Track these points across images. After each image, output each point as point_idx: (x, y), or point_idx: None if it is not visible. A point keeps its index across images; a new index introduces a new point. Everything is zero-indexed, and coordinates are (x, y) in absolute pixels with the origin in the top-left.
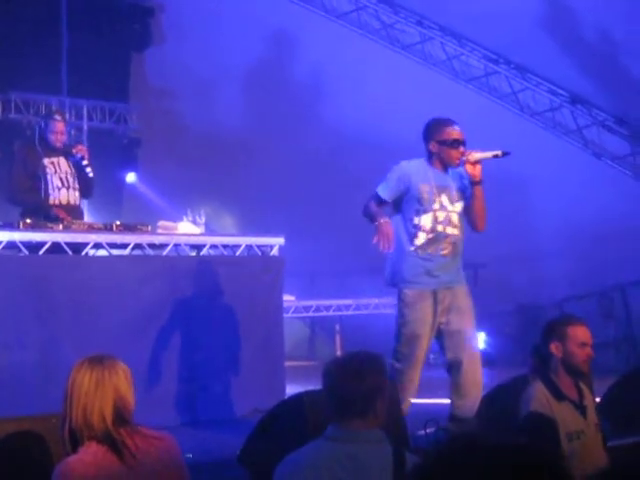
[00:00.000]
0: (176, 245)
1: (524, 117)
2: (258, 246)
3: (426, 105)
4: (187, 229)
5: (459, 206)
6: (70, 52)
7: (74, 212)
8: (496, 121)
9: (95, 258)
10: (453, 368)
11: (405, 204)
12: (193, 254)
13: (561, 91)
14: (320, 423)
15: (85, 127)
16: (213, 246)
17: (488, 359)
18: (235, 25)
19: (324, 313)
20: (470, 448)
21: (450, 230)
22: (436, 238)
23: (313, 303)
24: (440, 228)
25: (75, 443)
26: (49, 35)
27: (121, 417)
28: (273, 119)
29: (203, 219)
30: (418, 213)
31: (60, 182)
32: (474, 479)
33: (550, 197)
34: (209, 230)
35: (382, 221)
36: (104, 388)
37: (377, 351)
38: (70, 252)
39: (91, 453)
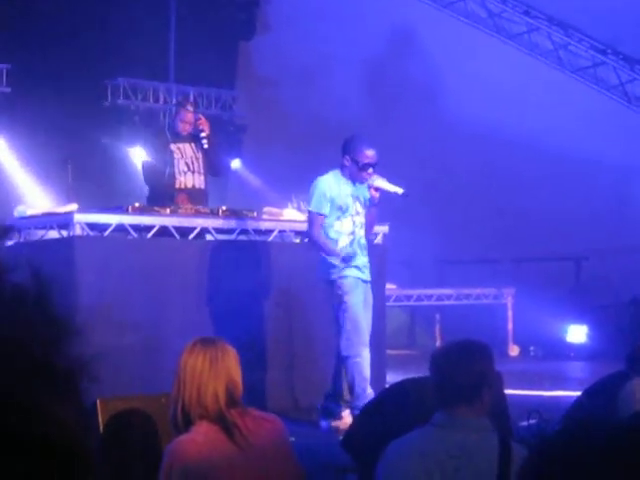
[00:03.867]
0: (281, 231)
1: (631, 108)
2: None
3: (533, 97)
4: (292, 215)
5: (364, 212)
6: (178, 39)
7: (199, 195)
8: (602, 112)
9: (202, 242)
10: None
11: (330, 212)
12: (297, 240)
13: None
14: (424, 410)
15: None
16: None
17: (590, 353)
18: (338, 16)
19: (425, 302)
20: (592, 431)
21: (362, 232)
22: (354, 238)
23: (414, 292)
24: (357, 230)
25: (187, 423)
26: (157, 23)
27: (232, 398)
28: (382, 107)
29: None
30: (339, 219)
31: (186, 166)
32: (597, 462)
33: None
34: None
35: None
36: (217, 369)
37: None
38: (177, 236)
39: (203, 433)
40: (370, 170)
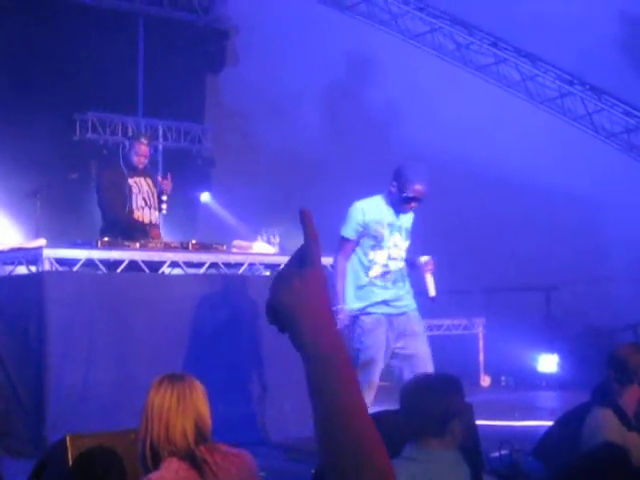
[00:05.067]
0: (251, 264)
1: (599, 138)
2: (332, 266)
3: (500, 128)
4: (262, 249)
5: (407, 243)
6: (146, 73)
7: (155, 230)
8: (570, 143)
9: (171, 277)
10: None
11: (362, 239)
12: (267, 273)
13: (637, 112)
14: (396, 443)
15: (160, 147)
16: None
17: (561, 382)
18: (309, 47)
19: None
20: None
21: (401, 264)
22: (389, 271)
23: None
24: (392, 264)
25: (155, 460)
26: (126, 57)
27: (201, 434)
28: (347, 139)
29: (277, 239)
30: (374, 248)
31: (143, 201)
32: None
33: (623, 220)
34: (283, 250)
35: (341, 307)
36: (185, 405)
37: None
38: (147, 270)
39: (173, 470)
40: (413, 204)
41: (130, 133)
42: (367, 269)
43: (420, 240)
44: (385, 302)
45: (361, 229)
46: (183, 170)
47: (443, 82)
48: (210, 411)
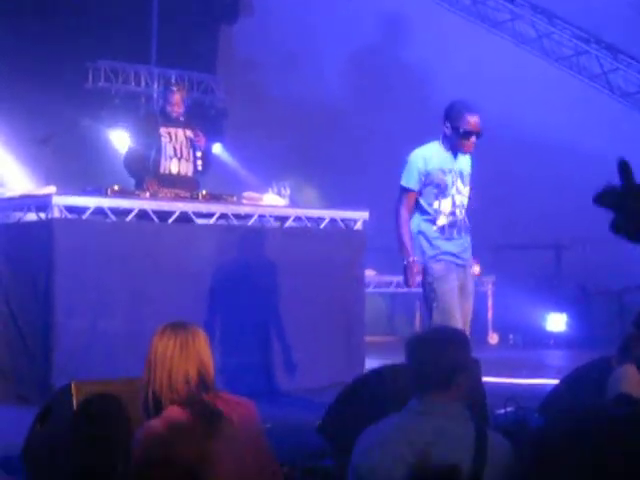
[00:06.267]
0: (261, 216)
1: (614, 97)
2: (342, 220)
3: (514, 86)
4: (272, 201)
5: (469, 189)
6: (160, 22)
7: (186, 182)
8: (584, 101)
9: (180, 226)
10: None
11: (424, 189)
12: (277, 225)
13: None
14: (402, 396)
15: None
16: (297, 218)
17: (569, 341)
18: (332, 3)
19: (404, 289)
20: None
21: (464, 213)
22: (455, 220)
23: (394, 279)
24: (457, 211)
25: (158, 408)
26: (140, 5)
27: (204, 382)
28: (365, 95)
29: (288, 191)
30: (437, 197)
31: (173, 151)
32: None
33: (636, 179)
34: (294, 202)
35: (412, 260)
36: (188, 353)
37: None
38: (156, 220)
39: (174, 417)
40: (473, 139)
41: (143, 82)
42: (433, 220)
43: None
44: (452, 254)
45: (423, 178)
46: (195, 120)
47: (457, 38)
48: (213, 359)
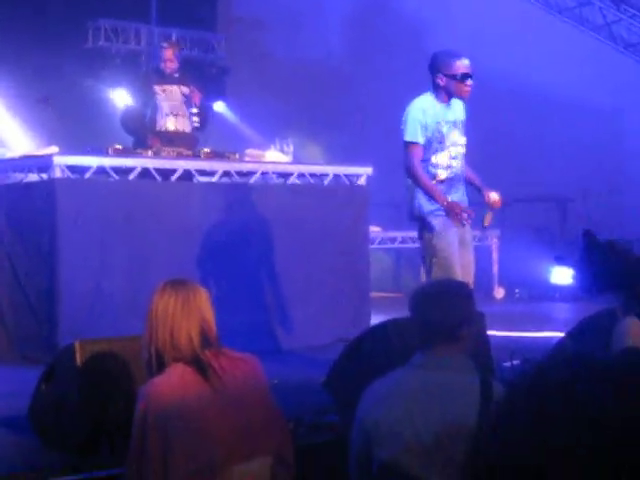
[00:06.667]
0: (263, 173)
1: (617, 49)
2: (346, 175)
3: (517, 39)
4: (275, 157)
5: (464, 140)
6: None
7: (184, 139)
8: (588, 54)
9: (183, 184)
10: None
11: (424, 141)
12: (280, 182)
13: None
14: (406, 351)
15: None
16: (300, 175)
17: (575, 294)
18: None
19: (410, 245)
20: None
21: (461, 165)
22: (453, 173)
23: (398, 235)
24: (454, 163)
25: (160, 366)
26: None
27: (206, 339)
28: (368, 49)
29: (291, 148)
30: (435, 152)
31: (169, 109)
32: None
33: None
34: (297, 159)
35: (448, 202)
36: (190, 310)
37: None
38: (159, 178)
39: (177, 374)
40: (469, 81)
41: (143, 42)
42: (433, 174)
43: None
44: None
45: (424, 130)
46: (197, 79)
47: None
48: (215, 316)
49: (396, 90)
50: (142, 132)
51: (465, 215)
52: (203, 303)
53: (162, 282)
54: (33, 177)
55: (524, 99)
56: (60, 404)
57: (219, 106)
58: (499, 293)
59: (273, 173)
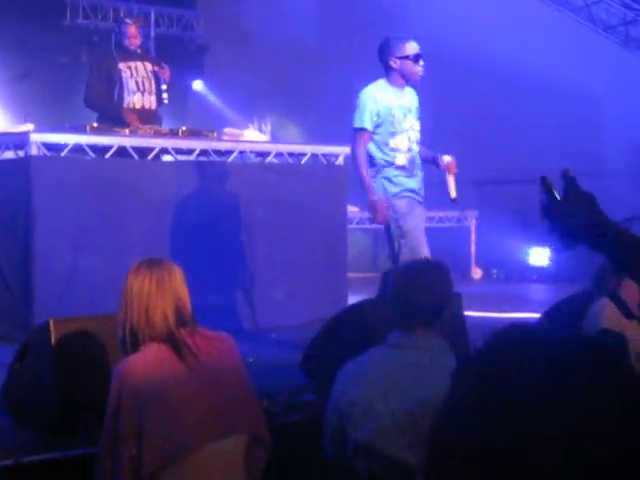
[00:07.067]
0: (241, 152)
1: (596, 31)
2: (323, 155)
3: (493, 20)
4: (253, 136)
5: (419, 124)
6: None
7: (149, 117)
8: (567, 33)
9: (160, 163)
10: None
11: (380, 128)
12: (257, 161)
13: (635, 5)
14: (382, 330)
15: (152, 34)
16: (278, 154)
17: (552, 275)
18: None
19: None
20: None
21: (417, 148)
22: (413, 157)
23: None
24: (414, 147)
25: (135, 344)
26: None
27: (181, 318)
28: (346, 30)
29: (269, 127)
30: (393, 135)
31: (135, 86)
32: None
33: (619, 113)
34: (275, 138)
35: (377, 197)
36: (164, 289)
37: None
38: (136, 156)
39: (152, 353)
40: (421, 62)
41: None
42: (392, 159)
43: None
44: (413, 190)
45: (375, 117)
46: (176, 57)
47: None
48: (190, 295)
49: (375, 71)
50: (110, 108)
51: (384, 218)
52: (178, 282)
53: (137, 261)
54: (9, 154)
55: (502, 81)
56: (34, 383)
57: (198, 84)
58: (476, 274)
59: (251, 152)
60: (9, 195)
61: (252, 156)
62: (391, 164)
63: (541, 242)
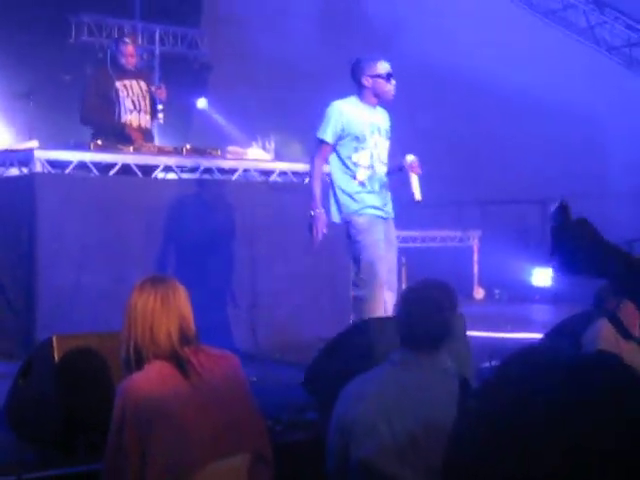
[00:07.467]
0: (245, 171)
1: (600, 52)
2: (327, 174)
3: (500, 42)
4: (256, 155)
5: (388, 144)
6: None
7: (145, 135)
8: (571, 55)
9: (164, 181)
10: None
11: (343, 141)
12: (261, 180)
13: (639, 26)
14: (386, 349)
15: (157, 52)
16: (282, 173)
17: (555, 296)
18: None
19: None
20: (541, 363)
21: (383, 166)
22: (374, 173)
23: None
24: (376, 165)
25: (138, 362)
26: None
27: (185, 336)
28: (348, 50)
29: (272, 145)
30: (356, 150)
31: (132, 105)
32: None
33: (622, 134)
34: (278, 156)
35: (318, 212)
36: (169, 307)
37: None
38: (140, 174)
39: (156, 371)
40: (393, 81)
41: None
42: (353, 173)
43: (416, 151)
44: (375, 207)
45: (340, 131)
46: (180, 75)
47: None
48: (193, 313)
49: None
50: (106, 126)
51: (321, 233)
52: (182, 300)
53: (141, 279)
54: (14, 171)
55: (506, 101)
56: (37, 399)
57: (201, 102)
58: (479, 294)
59: (255, 171)
60: (13, 212)
61: (256, 175)
62: (353, 178)
63: (544, 262)
